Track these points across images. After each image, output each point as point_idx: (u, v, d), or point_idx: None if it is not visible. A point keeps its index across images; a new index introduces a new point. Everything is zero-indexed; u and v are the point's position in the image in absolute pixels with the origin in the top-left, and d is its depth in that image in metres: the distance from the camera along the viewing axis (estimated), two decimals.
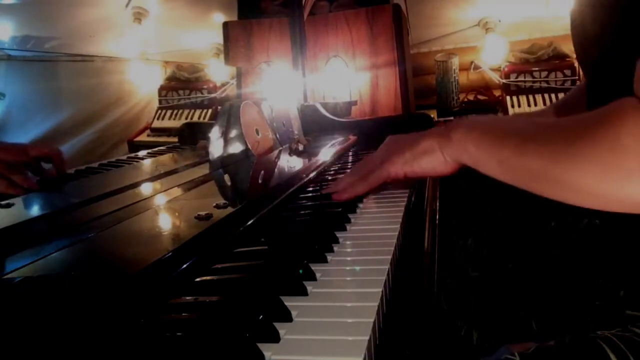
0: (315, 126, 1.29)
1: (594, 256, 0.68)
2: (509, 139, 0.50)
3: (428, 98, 2.61)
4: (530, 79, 2.40)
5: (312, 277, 0.46)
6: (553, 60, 2.41)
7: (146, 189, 0.72)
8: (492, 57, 2.51)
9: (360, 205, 0.75)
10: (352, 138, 1.25)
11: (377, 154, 0.70)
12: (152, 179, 0.79)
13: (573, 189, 0.44)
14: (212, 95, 2.84)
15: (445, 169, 0.59)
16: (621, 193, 0.41)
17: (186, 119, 2.77)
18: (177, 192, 0.70)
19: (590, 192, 0.43)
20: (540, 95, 2.36)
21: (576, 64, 2.37)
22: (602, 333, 0.55)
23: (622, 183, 0.41)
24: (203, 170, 0.82)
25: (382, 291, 0.43)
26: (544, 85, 2.36)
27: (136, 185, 0.72)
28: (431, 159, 0.59)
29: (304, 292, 0.43)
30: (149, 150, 1.20)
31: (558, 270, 0.70)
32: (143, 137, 2.77)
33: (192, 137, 1.29)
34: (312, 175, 0.88)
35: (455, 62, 2.46)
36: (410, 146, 0.63)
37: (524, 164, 0.48)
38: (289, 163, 0.91)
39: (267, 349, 0.34)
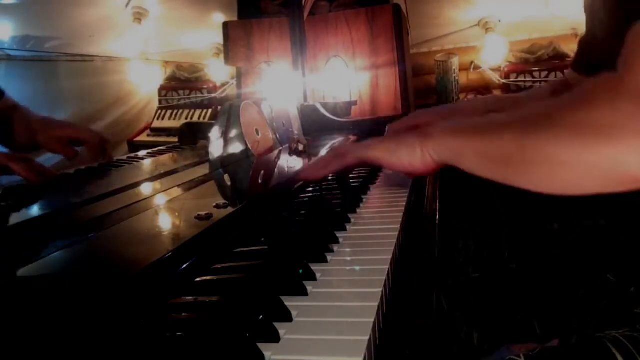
0: (315, 126, 1.29)
1: (600, 255, 0.67)
2: (486, 129, 0.50)
3: (428, 98, 2.60)
4: (530, 79, 2.40)
5: (312, 277, 0.46)
6: (553, 60, 2.41)
7: (146, 189, 0.72)
8: (492, 57, 2.51)
9: (361, 205, 0.75)
10: (352, 138, 1.25)
11: (361, 142, 0.70)
12: (152, 179, 0.79)
13: (553, 164, 0.44)
14: (212, 95, 2.84)
15: (422, 166, 0.58)
16: (603, 160, 0.41)
17: (186, 119, 2.77)
18: (177, 192, 0.70)
19: (570, 164, 0.43)
20: None
21: None
22: (609, 333, 0.55)
23: (601, 148, 0.40)
24: (203, 170, 0.82)
25: (382, 291, 0.43)
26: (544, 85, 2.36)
27: (136, 185, 0.72)
28: (410, 153, 0.58)
29: (304, 292, 0.43)
30: (149, 150, 1.20)
31: (561, 270, 0.70)
32: (143, 137, 2.77)
33: (192, 137, 1.29)
34: None
35: (455, 62, 2.46)
36: (394, 138, 0.63)
37: (501, 150, 0.48)
38: (289, 163, 0.91)
39: (267, 349, 0.34)
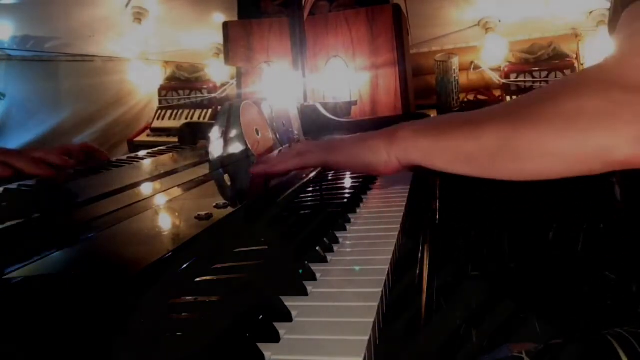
0: (315, 126, 1.29)
1: (600, 254, 0.67)
2: (463, 125, 0.49)
3: (428, 98, 2.60)
4: (530, 79, 2.40)
5: (312, 277, 0.46)
6: (553, 60, 2.41)
7: (146, 189, 0.72)
8: (492, 57, 2.51)
9: (361, 205, 0.75)
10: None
11: (323, 141, 0.68)
12: (152, 179, 0.79)
13: (543, 154, 0.43)
14: (212, 95, 2.84)
15: (386, 169, 0.58)
16: (593, 147, 0.41)
17: (186, 119, 2.77)
18: (177, 192, 0.70)
19: (560, 154, 0.42)
20: None
21: (576, 64, 2.37)
22: (612, 330, 0.55)
23: (593, 136, 0.40)
24: (203, 170, 0.82)
25: (382, 291, 0.43)
26: (544, 85, 2.36)
27: (136, 185, 0.72)
28: (373, 157, 0.57)
29: (304, 292, 0.44)
30: (149, 150, 1.20)
31: (561, 269, 0.70)
32: (143, 137, 2.77)
33: (192, 137, 1.29)
34: (312, 175, 0.88)
35: (455, 62, 2.46)
36: (357, 140, 0.61)
37: (484, 144, 0.47)
38: None
39: (267, 349, 0.34)
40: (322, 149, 0.63)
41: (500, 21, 2.50)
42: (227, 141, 0.82)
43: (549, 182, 0.45)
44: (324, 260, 0.51)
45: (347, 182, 0.88)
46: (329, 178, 0.92)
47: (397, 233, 0.58)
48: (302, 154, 0.65)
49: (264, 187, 0.73)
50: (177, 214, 0.61)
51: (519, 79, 2.41)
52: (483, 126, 0.48)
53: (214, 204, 0.59)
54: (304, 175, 0.86)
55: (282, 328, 0.37)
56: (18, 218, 0.56)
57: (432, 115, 1.30)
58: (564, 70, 2.34)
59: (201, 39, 2.81)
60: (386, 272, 0.46)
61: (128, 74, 2.77)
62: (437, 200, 0.81)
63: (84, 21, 2.32)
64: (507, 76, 2.44)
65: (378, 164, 0.57)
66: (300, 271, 0.46)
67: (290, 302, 0.41)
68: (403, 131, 0.55)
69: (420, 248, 0.58)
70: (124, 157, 1.05)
